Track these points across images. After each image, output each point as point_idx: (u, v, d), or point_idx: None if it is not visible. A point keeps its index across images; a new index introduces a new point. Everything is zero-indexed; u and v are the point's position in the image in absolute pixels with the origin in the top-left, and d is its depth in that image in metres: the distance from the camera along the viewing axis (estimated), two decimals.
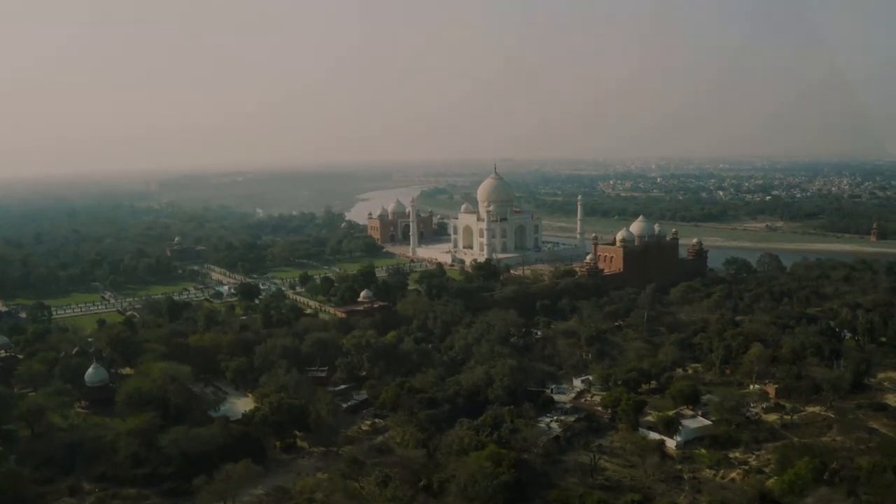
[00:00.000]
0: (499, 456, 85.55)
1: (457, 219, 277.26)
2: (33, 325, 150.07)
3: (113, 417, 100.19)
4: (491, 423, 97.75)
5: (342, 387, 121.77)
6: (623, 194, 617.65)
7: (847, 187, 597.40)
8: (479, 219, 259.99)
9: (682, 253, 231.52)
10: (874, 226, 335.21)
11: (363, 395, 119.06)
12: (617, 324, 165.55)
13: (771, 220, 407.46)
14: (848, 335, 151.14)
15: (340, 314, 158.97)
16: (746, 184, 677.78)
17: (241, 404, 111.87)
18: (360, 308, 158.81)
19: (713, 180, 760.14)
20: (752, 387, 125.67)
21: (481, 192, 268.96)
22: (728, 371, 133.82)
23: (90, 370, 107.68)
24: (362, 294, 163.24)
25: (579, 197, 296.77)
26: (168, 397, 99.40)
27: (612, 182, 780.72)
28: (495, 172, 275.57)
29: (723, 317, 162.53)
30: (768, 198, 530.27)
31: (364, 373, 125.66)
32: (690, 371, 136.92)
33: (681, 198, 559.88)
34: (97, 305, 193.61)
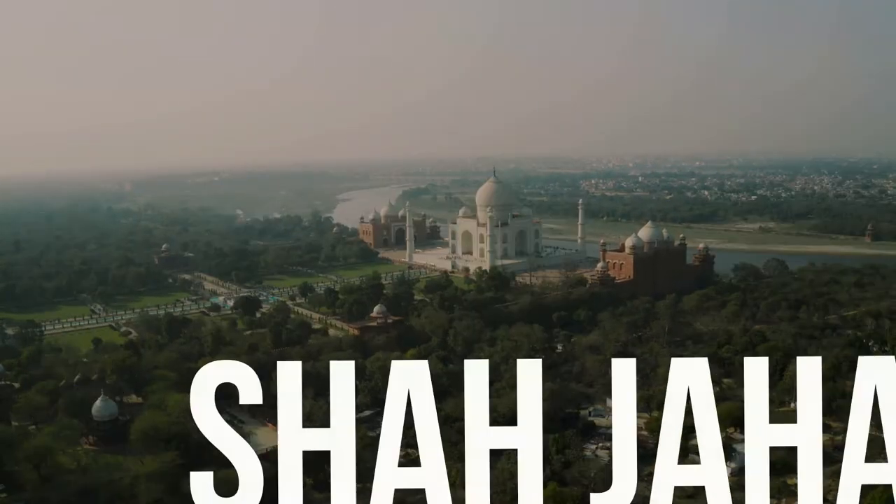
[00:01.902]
0: (562, 495, 79.07)
1: (454, 223, 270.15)
2: (26, 348, 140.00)
3: (126, 456, 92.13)
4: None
5: (366, 412, 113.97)
6: (609, 194, 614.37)
7: (830, 186, 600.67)
8: (479, 224, 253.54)
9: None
10: (869, 227, 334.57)
11: None
12: (636, 335, 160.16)
13: (762, 221, 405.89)
14: (874, 346, 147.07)
15: (353, 330, 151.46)
16: (729, 182, 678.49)
17: (262, 435, 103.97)
18: (374, 324, 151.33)
19: (694, 179, 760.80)
20: (793, 405, 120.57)
21: (480, 196, 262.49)
22: None
23: (98, 403, 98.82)
24: (375, 309, 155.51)
25: (580, 201, 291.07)
26: (189, 434, 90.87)
27: (594, 181, 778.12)
28: (494, 176, 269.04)
29: (746, 328, 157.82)
30: (754, 197, 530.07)
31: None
32: (724, 387, 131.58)
33: (667, 198, 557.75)
34: (87, 320, 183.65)
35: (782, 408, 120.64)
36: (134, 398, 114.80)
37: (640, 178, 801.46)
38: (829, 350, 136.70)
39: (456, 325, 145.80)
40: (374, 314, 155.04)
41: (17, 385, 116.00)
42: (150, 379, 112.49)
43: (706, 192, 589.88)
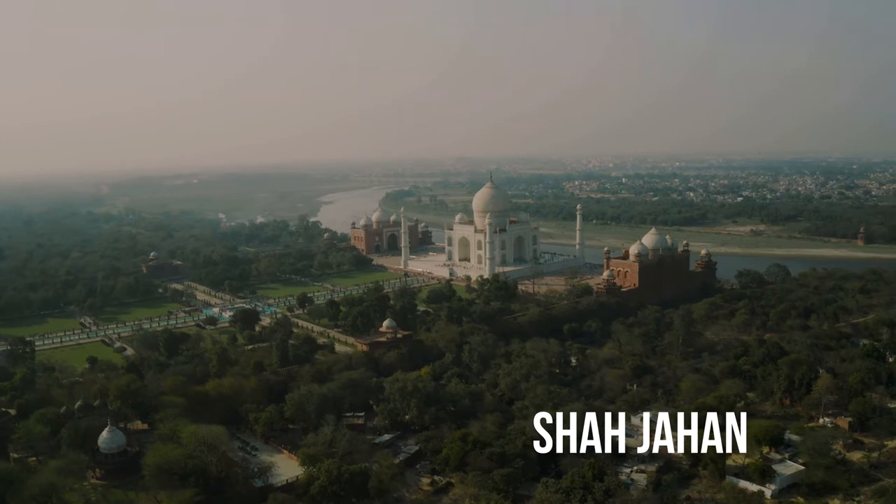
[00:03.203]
0: None
1: (451, 229, 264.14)
2: (18, 367, 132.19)
3: (138, 492, 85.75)
4: (581, 483, 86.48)
5: (386, 437, 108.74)
6: (594, 196, 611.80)
7: (813, 187, 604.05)
8: (476, 230, 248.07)
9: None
10: (861, 230, 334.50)
11: (411, 445, 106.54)
12: (650, 346, 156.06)
13: (752, 224, 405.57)
14: (892, 356, 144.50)
15: (361, 346, 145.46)
16: (712, 184, 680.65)
17: (282, 464, 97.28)
18: (383, 339, 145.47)
19: (677, 180, 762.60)
20: (821, 420, 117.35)
21: (477, 202, 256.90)
22: (787, 402, 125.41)
23: (105, 434, 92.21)
24: (385, 324, 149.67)
25: (579, 206, 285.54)
26: (207, 468, 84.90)
27: (577, 183, 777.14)
28: (491, 181, 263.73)
29: (761, 339, 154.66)
30: (739, 199, 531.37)
31: (407, 417, 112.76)
32: (749, 402, 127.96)
33: (653, 199, 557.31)
34: (78, 334, 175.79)
35: (811, 423, 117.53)
36: (139, 424, 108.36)
37: (623, 180, 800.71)
38: (850, 362, 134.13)
39: (470, 340, 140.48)
40: (383, 329, 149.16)
41: (12, 412, 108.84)
42: (157, 405, 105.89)
43: (691, 194, 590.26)
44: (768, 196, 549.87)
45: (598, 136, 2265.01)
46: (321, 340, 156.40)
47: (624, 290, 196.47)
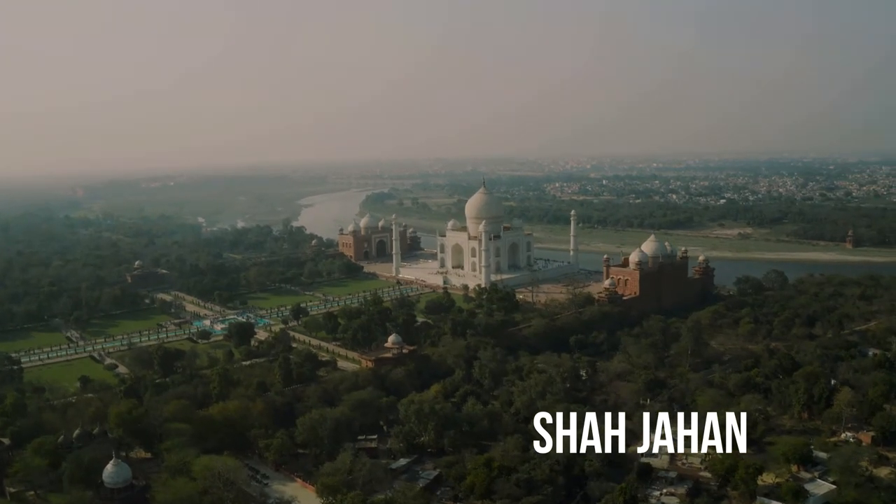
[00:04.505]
0: None
1: (443, 236, 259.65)
2: (6, 388, 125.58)
3: None
4: None
5: (402, 461, 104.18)
6: (576, 199, 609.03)
7: (794, 188, 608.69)
8: (470, 237, 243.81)
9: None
10: (849, 233, 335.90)
11: (429, 469, 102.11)
12: (659, 357, 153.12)
13: (739, 227, 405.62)
14: None
15: (366, 363, 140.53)
16: (693, 185, 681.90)
17: (300, 495, 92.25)
18: (389, 355, 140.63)
19: (658, 182, 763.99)
20: (843, 435, 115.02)
21: (470, 208, 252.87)
22: (805, 415, 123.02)
23: (110, 468, 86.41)
24: (390, 339, 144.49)
25: (573, 212, 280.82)
26: None
27: (558, 185, 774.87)
28: (484, 187, 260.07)
29: (771, 350, 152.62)
30: (722, 201, 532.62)
31: (423, 439, 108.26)
32: (768, 415, 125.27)
33: (636, 202, 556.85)
34: (65, 349, 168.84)
35: (833, 438, 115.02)
36: (142, 453, 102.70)
37: (603, 182, 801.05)
38: (864, 373, 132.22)
39: (480, 355, 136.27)
40: (388, 344, 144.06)
41: (6, 441, 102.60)
42: (161, 433, 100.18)
43: (674, 196, 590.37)
44: (750, 198, 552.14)
45: (575, 138, 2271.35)
46: (322, 356, 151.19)
47: (625, 298, 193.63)
